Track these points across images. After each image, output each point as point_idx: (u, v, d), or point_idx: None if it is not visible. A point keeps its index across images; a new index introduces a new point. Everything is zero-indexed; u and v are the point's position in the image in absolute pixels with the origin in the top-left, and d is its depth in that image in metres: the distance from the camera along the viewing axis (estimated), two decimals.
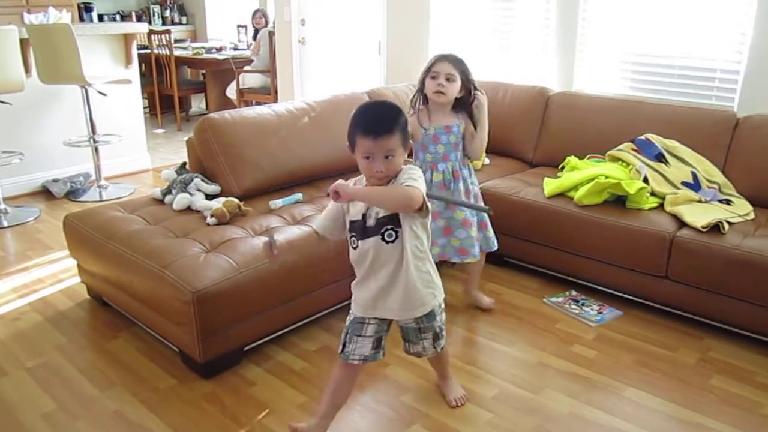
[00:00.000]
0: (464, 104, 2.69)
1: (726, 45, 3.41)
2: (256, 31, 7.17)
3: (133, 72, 5.19)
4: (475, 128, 2.70)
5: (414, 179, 1.89)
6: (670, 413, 2.26)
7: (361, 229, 1.96)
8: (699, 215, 2.80)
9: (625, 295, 3.05)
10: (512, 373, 2.51)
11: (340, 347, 2.07)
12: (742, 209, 2.92)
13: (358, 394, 2.39)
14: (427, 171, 2.70)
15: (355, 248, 1.98)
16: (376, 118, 1.91)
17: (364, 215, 1.94)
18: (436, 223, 2.68)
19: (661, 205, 2.98)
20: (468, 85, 2.65)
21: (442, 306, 2.13)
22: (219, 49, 7.46)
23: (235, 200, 2.87)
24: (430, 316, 2.08)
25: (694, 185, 3.07)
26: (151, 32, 6.77)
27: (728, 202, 3.00)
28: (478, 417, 2.25)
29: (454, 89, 2.63)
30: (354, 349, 2.04)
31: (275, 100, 6.12)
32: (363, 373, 2.48)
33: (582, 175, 3.12)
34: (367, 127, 1.87)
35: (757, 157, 3.07)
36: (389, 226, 1.93)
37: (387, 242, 1.93)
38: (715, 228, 2.71)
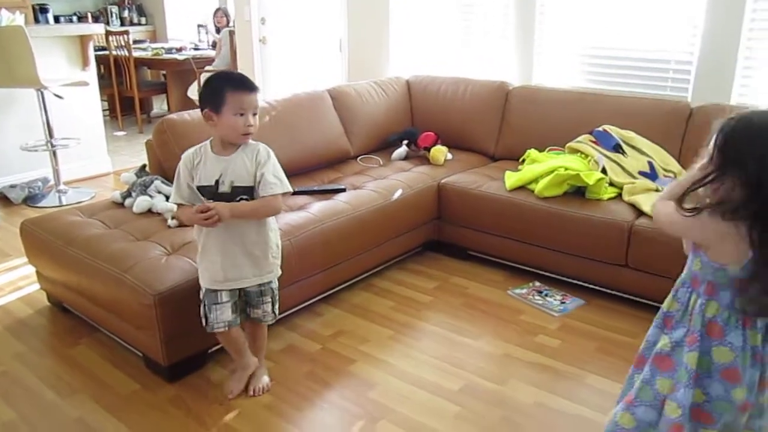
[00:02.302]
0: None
1: (679, 37, 3.48)
2: (218, 30, 7.10)
3: (91, 74, 5.09)
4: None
5: (280, 179, 2.11)
6: None
7: (212, 195, 2.06)
8: None
9: (588, 285, 3.09)
10: (478, 366, 2.53)
11: (203, 321, 2.19)
12: None
13: (325, 391, 2.39)
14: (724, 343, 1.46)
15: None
16: (245, 77, 2.08)
17: (216, 181, 2.06)
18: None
19: (620, 195, 3.03)
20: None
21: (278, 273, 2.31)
22: (179, 50, 7.37)
23: None
24: (270, 280, 2.25)
25: (651, 174, 3.14)
26: (108, 33, 6.66)
27: None
28: (445, 411, 2.27)
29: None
30: (216, 317, 2.18)
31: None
32: (328, 370, 2.50)
33: (542, 168, 3.16)
34: (239, 83, 2.02)
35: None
36: (245, 196, 2.07)
37: None
38: None
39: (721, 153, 1.36)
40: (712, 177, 1.37)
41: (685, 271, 1.60)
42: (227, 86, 2.01)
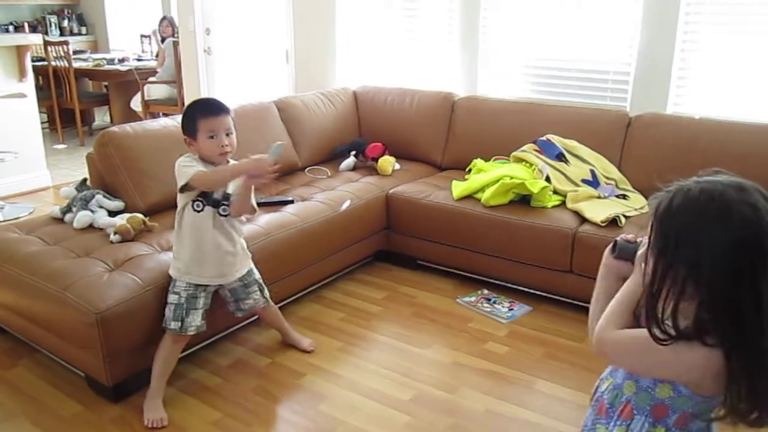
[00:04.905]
0: None
1: (617, 49, 3.59)
2: (164, 40, 6.98)
3: (29, 85, 4.94)
4: None
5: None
6: (580, 402, 2.34)
7: (212, 201, 2.26)
8: (598, 211, 2.93)
9: (534, 291, 3.15)
10: (428, 375, 2.54)
11: (177, 323, 2.27)
12: (637, 203, 3.08)
13: (274, 406, 2.36)
14: None
15: (199, 211, 2.25)
16: (213, 102, 2.30)
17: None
18: None
19: (564, 203, 3.10)
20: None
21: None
22: (122, 60, 7.21)
23: (140, 216, 2.78)
24: (250, 272, 2.47)
25: (593, 182, 3.22)
26: (47, 43, 6.47)
27: (624, 197, 3.15)
28: (395, 420, 2.27)
29: None
30: (191, 321, 2.30)
31: (182, 112, 5.96)
32: (277, 384, 2.48)
33: (488, 177, 3.21)
34: (207, 109, 2.24)
35: (648, 153, 3.25)
36: (225, 203, 2.28)
37: (222, 215, 2.28)
38: (614, 222, 2.85)
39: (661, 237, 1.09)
40: (667, 277, 1.07)
41: (628, 388, 1.25)
42: (198, 113, 2.23)
